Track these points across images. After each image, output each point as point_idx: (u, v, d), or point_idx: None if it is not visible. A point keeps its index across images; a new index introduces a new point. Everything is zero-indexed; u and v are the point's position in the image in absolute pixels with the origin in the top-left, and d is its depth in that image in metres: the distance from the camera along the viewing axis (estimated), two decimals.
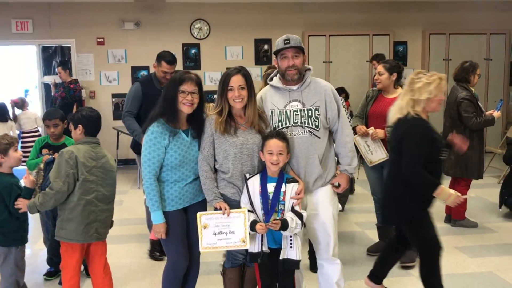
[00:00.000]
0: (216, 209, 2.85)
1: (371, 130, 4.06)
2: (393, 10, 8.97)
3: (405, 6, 8.96)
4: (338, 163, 3.19)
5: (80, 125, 3.10)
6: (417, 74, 3.18)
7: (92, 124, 3.13)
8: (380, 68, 4.14)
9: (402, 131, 3.12)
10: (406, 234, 3.27)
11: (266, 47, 8.90)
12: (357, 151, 4.09)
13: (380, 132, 4.01)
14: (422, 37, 9.12)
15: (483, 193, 6.29)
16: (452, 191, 3.08)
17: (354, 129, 4.09)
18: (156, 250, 4.29)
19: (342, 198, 5.29)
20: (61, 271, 3.17)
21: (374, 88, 4.33)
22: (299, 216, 2.80)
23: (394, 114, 3.23)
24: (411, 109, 3.10)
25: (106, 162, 3.12)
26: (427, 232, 3.15)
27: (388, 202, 3.34)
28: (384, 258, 3.49)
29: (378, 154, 4.08)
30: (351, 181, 6.22)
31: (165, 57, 4.19)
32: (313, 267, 3.77)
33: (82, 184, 2.99)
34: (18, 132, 7.67)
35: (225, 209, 2.81)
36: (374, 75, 4.22)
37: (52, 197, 2.94)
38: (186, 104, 2.81)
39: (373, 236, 4.61)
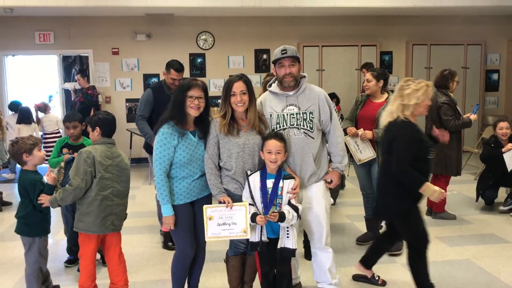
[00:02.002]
0: (220, 202, 2.85)
1: (360, 131, 4.05)
2: (379, 23, 8.96)
3: (390, 19, 8.95)
4: (330, 161, 3.19)
5: (97, 127, 3.09)
6: (406, 81, 3.14)
7: (108, 126, 3.11)
8: (368, 75, 4.11)
9: (393, 133, 3.09)
10: (397, 227, 3.24)
11: (265, 56, 8.89)
12: (348, 151, 4.09)
13: (369, 133, 3.99)
14: (405, 48, 9.11)
15: (461, 188, 6.28)
16: (436, 187, 3.04)
17: (345, 130, 4.08)
18: (169, 240, 4.24)
19: (334, 192, 5.27)
20: (79, 259, 3.17)
21: (363, 93, 4.32)
22: (295, 209, 2.80)
23: (385, 118, 3.19)
24: (400, 113, 3.08)
25: (121, 161, 3.11)
26: (417, 226, 3.12)
27: (380, 198, 3.29)
28: (376, 247, 3.49)
29: (366, 153, 4.07)
30: (342, 178, 6.21)
31: (173, 65, 4.16)
32: (308, 255, 3.75)
33: (99, 181, 2.98)
34: (41, 133, 7.65)
35: (229, 203, 2.80)
36: (364, 82, 4.21)
37: (71, 192, 2.93)
38: (193, 108, 2.80)
39: (362, 228, 4.60)
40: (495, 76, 9.45)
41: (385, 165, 3.20)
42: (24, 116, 7.29)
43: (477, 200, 5.43)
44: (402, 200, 3.10)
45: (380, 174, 3.37)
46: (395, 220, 3.24)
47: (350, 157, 4.17)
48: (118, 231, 3.18)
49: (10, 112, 7.80)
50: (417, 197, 3.12)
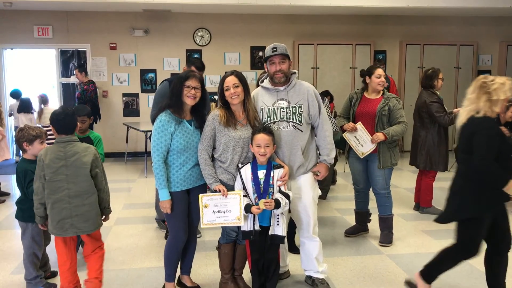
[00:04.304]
0: (215, 191, 2.95)
1: (358, 124, 4.04)
2: (374, 23, 9.09)
3: (384, 19, 9.08)
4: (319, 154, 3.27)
5: (51, 126, 3.00)
6: (486, 77, 2.92)
7: (59, 123, 2.93)
8: (382, 72, 4.09)
9: (472, 129, 2.87)
10: (457, 227, 3.01)
11: (261, 53, 8.99)
12: (347, 148, 4.13)
13: (380, 135, 3.93)
14: (399, 47, 9.26)
15: (448, 184, 6.37)
16: None
17: (342, 128, 4.12)
18: None
19: (325, 187, 5.31)
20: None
21: (356, 90, 4.31)
22: (286, 196, 2.92)
23: (466, 115, 2.94)
24: (488, 109, 2.85)
25: (76, 160, 2.88)
26: (476, 237, 2.93)
27: (453, 199, 3.03)
28: (493, 270, 3.13)
29: (368, 145, 4.03)
30: (333, 173, 6.33)
31: (195, 62, 4.22)
32: (291, 248, 3.84)
33: (48, 185, 2.85)
34: (40, 125, 7.76)
35: (224, 191, 2.91)
36: (379, 78, 4.07)
37: (36, 200, 2.91)
38: (189, 97, 2.94)
39: (351, 221, 4.73)
40: None
41: (463, 165, 2.97)
42: (23, 106, 7.57)
43: None
44: (477, 204, 2.89)
45: (456, 174, 3.07)
46: (460, 223, 3.01)
47: (348, 152, 4.25)
48: (86, 233, 2.97)
49: (13, 101, 8.10)
50: (494, 204, 2.92)
